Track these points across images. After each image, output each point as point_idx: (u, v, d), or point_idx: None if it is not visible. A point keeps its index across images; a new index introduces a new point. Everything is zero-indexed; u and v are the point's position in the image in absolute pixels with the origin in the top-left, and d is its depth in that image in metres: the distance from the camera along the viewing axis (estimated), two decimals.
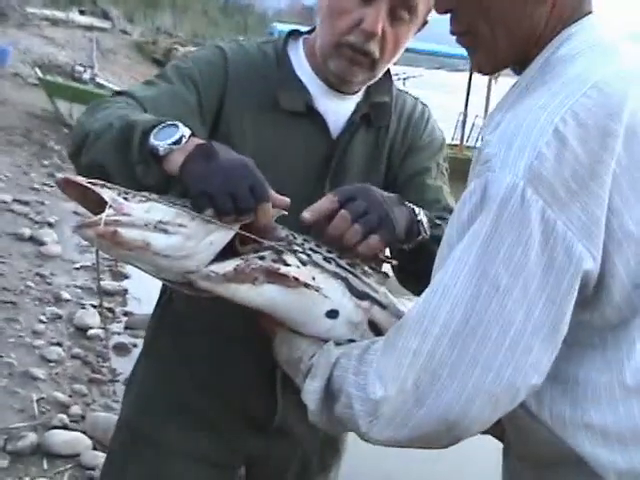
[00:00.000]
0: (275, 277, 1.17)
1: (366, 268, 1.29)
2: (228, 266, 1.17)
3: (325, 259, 1.24)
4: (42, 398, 3.75)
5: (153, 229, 1.12)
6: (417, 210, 1.36)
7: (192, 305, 1.43)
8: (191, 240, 1.14)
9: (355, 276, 1.25)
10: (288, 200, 1.22)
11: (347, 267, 1.25)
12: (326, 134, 1.53)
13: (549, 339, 0.97)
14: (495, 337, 0.96)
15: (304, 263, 1.21)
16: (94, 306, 5.08)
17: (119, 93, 1.45)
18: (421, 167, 1.60)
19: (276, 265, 1.18)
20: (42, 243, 6.11)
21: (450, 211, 1.49)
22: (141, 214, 1.12)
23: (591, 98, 0.98)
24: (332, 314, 1.21)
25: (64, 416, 3.59)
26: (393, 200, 1.31)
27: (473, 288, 0.97)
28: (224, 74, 1.50)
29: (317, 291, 1.19)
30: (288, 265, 1.19)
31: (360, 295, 1.24)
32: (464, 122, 16.18)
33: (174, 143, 1.21)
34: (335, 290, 1.22)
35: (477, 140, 15.62)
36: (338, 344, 1.19)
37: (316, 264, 1.22)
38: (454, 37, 1.14)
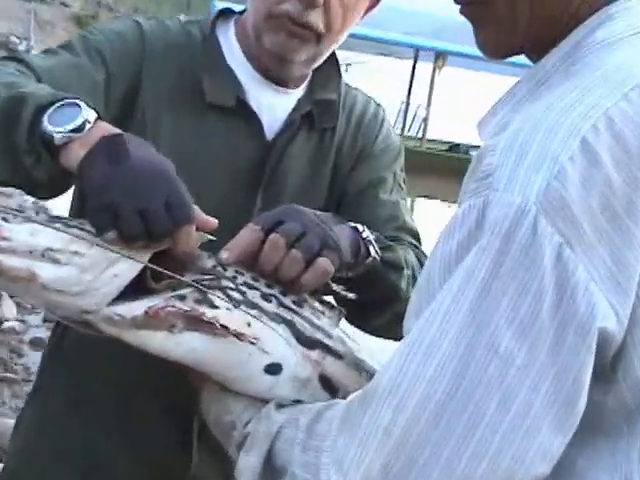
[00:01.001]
0: (198, 324, 0.90)
1: (316, 304, 1.02)
2: (137, 308, 0.90)
3: (264, 296, 0.97)
4: None
5: (40, 257, 0.87)
6: (360, 227, 1.14)
7: (93, 341, 1.14)
8: (88, 272, 0.88)
9: (302, 317, 0.98)
10: (216, 222, 0.96)
11: (292, 306, 0.98)
12: (259, 135, 1.27)
13: (562, 419, 0.73)
14: (491, 414, 0.72)
15: (236, 304, 0.93)
16: (11, 296, 4.71)
17: (10, 58, 1.14)
18: (374, 178, 1.35)
19: (200, 308, 0.91)
20: None
21: (408, 231, 1.29)
22: (25, 238, 0.87)
23: (633, 103, 0.74)
24: (273, 369, 0.94)
25: None
26: (328, 218, 1.08)
27: (465, 348, 0.72)
28: (140, 52, 1.23)
29: (253, 342, 0.91)
30: (215, 307, 0.92)
31: (309, 343, 0.97)
32: (406, 111, 16.09)
33: (74, 130, 0.94)
34: (277, 338, 0.94)
35: (419, 131, 15.60)
36: (281, 406, 0.93)
37: (252, 304, 0.95)
38: (457, 6, 0.87)
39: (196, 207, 0.93)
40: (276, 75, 1.27)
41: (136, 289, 0.92)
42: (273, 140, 1.27)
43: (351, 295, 1.06)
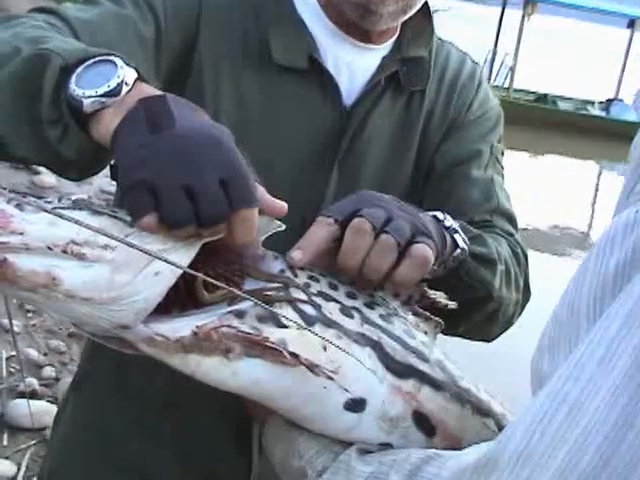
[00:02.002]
0: (261, 350, 0.70)
1: (409, 317, 0.81)
2: (184, 327, 0.70)
3: (344, 311, 0.76)
4: (12, 356, 3.31)
5: (61, 255, 0.66)
6: (441, 215, 0.93)
7: None
8: (123, 271, 0.67)
9: (392, 337, 0.77)
10: (285, 206, 0.75)
11: (379, 322, 0.77)
12: (336, 101, 1.06)
13: None
14: None
15: (310, 322, 0.73)
16: None
17: (40, 10, 0.94)
18: (467, 151, 1.13)
19: (263, 329, 0.71)
20: None
21: (502, 215, 1.08)
22: (42, 231, 0.66)
23: None
24: (355, 405, 0.74)
25: (34, 380, 3.15)
26: (408, 205, 0.88)
27: (622, 411, 0.52)
28: (197, 5, 1.03)
29: (331, 378, 0.71)
30: (283, 327, 0.71)
31: (401, 370, 0.76)
32: (493, 60, 15.54)
33: (108, 94, 0.74)
34: (360, 367, 0.74)
35: (505, 80, 15.07)
36: (364, 452, 0.73)
37: (329, 322, 0.74)
38: None
39: (260, 186, 0.73)
40: (358, 28, 1.05)
41: (182, 300, 0.73)
42: (352, 107, 1.06)
43: (452, 304, 0.85)
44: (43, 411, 2.94)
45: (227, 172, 0.67)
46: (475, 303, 1.00)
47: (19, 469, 2.69)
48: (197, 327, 0.70)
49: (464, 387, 0.79)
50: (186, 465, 1.09)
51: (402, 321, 0.80)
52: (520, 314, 1.09)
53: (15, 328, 3.52)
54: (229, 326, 0.70)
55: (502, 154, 1.17)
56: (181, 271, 0.68)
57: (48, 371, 3.28)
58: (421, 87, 1.10)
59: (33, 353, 3.38)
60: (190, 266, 0.70)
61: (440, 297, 0.84)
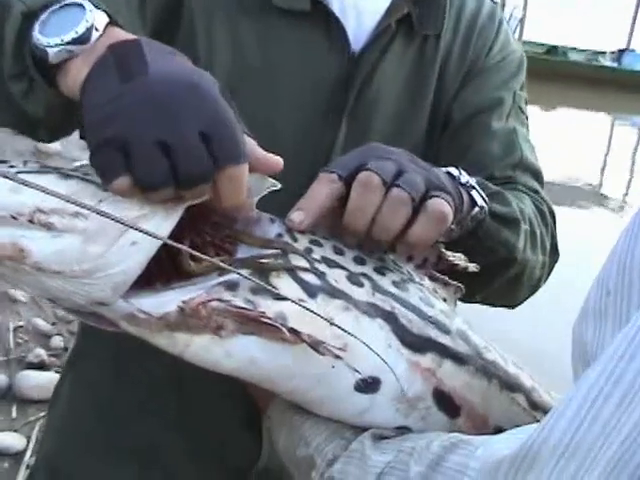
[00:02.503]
0: (256, 326, 0.61)
1: (426, 282, 0.72)
2: (168, 301, 0.62)
3: (352, 278, 0.67)
4: (20, 326, 3.25)
5: (28, 225, 0.59)
6: (455, 172, 0.82)
7: None
8: (96, 241, 0.60)
9: (408, 307, 0.68)
10: (280, 161, 0.66)
11: (393, 289, 0.69)
12: (342, 46, 0.95)
13: None
14: None
15: (313, 292, 0.64)
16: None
17: None
18: (487, 100, 1.02)
19: (259, 302, 0.63)
20: None
21: (526, 169, 1.01)
22: (4, 198, 0.60)
23: None
24: (368, 385, 0.65)
25: (42, 351, 3.09)
26: (418, 159, 0.78)
27: None
28: None
29: (339, 356, 0.62)
30: (281, 299, 0.63)
31: (418, 344, 0.67)
32: (501, 12, 15.26)
33: (76, 41, 0.64)
34: (372, 342, 0.64)
35: (514, 32, 14.80)
36: (380, 438, 0.65)
37: (335, 291, 0.65)
38: None
39: (250, 140, 0.63)
40: None
41: (166, 271, 0.64)
42: (360, 53, 0.95)
43: (473, 266, 0.76)
44: (52, 382, 2.89)
45: (209, 123, 0.58)
46: (497, 267, 0.90)
47: (28, 442, 2.63)
48: (183, 302, 0.61)
49: (490, 360, 0.70)
50: (193, 446, 1.01)
51: (418, 287, 0.71)
52: (547, 277, 0.99)
53: (22, 298, 3.46)
54: (219, 300, 0.61)
55: (525, 103, 1.06)
56: (158, 244, 0.60)
57: (57, 341, 3.21)
58: (436, 31, 1.00)
59: (41, 323, 3.31)
60: (173, 233, 0.61)
61: (459, 259, 0.75)
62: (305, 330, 0.61)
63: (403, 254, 0.73)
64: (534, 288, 0.99)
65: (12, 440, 2.61)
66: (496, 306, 1.01)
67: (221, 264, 0.59)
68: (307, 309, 0.60)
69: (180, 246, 0.57)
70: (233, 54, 0.92)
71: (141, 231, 0.56)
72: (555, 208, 1.02)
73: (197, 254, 0.57)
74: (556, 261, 1.01)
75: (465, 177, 0.82)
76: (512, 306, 1.02)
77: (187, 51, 0.70)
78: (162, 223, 0.60)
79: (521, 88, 1.06)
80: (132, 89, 0.58)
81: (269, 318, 0.61)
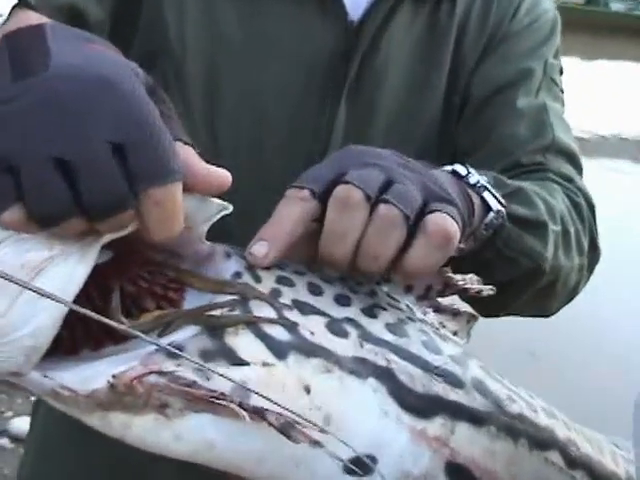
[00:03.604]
0: (209, 405, 0.47)
1: (430, 315, 0.58)
2: (95, 377, 0.48)
3: (332, 326, 0.52)
4: None
5: None
6: (462, 170, 0.67)
7: None
8: None
9: (408, 358, 0.53)
10: (228, 177, 0.50)
11: (385, 336, 0.54)
12: (339, 14, 0.80)
13: None
14: None
15: (281, 352, 0.49)
16: None
17: None
18: (514, 71, 0.86)
19: (213, 370, 0.48)
20: None
21: (559, 152, 0.85)
22: None
23: None
24: (362, 466, 0.50)
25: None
26: (413, 161, 0.61)
27: None
28: None
29: (318, 441, 0.47)
30: (242, 364, 0.48)
31: (424, 407, 0.52)
32: None
33: None
34: (363, 410, 0.50)
35: None
36: None
37: (311, 349, 0.50)
38: None
39: (187, 149, 0.49)
40: None
41: (95, 333, 0.50)
42: (360, 22, 0.80)
43: (488, 289, 0.60)
44: None
45: (123, 131, 0.44)
46: (522, 281, 0.75)
47: None
48: (113, 376, 0.47)
49: (515, 413, 0.56)
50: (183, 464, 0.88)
51: (420, 328, 0.56)
52: (588, 280, 0.83)
53: None
54: (159, 372, 0.47)
55: (560, 73, 0.90)
56: (75, 291, 0.46)
57: None
58: None
59: None
60: (95, 278, 0.47)
61: (471, 281, 0.60)
62: (276, 397, 0.47)
63: (400, 284, 0.58)
64: (572, 294, 0.83)
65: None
66: (527, 316, 0.86)
67: (136, 333, 0.44)
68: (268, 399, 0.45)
69: (84, 311, 0.42)
70: (208, 30, 0.78)
71: (35, 291, 0.42)
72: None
73: (104, 320, 0.42)
74: (597, 259, 0.85)
75: (475, 176, 0.67)
76: (546, 315, 0.86)
77: (154, 37, 0.56)
78: (76, 267, 0.46)
79: (555, 55, 0.89)
80: (26, 89, 0.44)
81: (221, 397, 0.46)
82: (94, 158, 0.43)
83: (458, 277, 0.59)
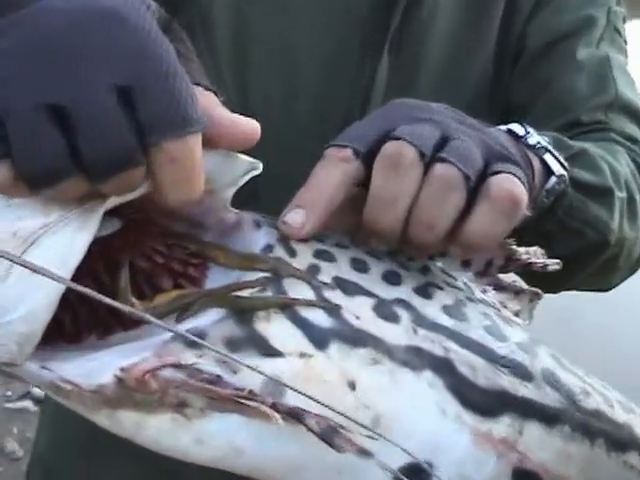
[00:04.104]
0: (237, 405, 0.39)
1: (489, 294, 0.50)
2: (101, 369, 0.40)
3: (381, 308, 0.44)
4: None
5: None
6: (520, 129, 0.58)
7: None
8: None
9: (469, 345, 0.45)
10: (257, 127, 0.41)
11: (444, 319, 0.46)
12: None
13: None
14: None
15: (322, 341, 0.42)
16: None
17: None
18: (573, 19, 0.77)
19: (242, 362, 0.39)
20: None
21: (622, 109, 0.76)
22: None
23: None
24: (416, 475, 0.42)
25: None
26: (467, 117, 0.53)
27: None
28: None
29: (367, 451, 0.40)
30: (275, 354, 0.41)
31: (488, 404, 0.44)
32: None
33: None
34: (418, 407, 0.42)
35: None
36: None
37: (356, 335, 0.42)
38: None
39: (209, 96, 0.41)
40: None
41: (103, 315, 0.43)
42: None
43: (554, 263, 0.52)
44: None
45: (132, 72, 0.36)
46: (586, 253, 0.67)
47: None
48: (121, 370, 0.39)
49: (590, 409, 0.48)
50: None
51: (480, 309, 0.48)
52: None
53: None
54: (176, 365, 0.39)
55: (624, 20, 0.81)
56: (72, 266, 0.38)
57: None
58: None
59: None
60: (101, 252, 0.40)
61: (535, 255, 0.52)
62: (315, 395, 0.39)
63: (457, 258, 0.50)
64: (634, 267, 0.75)
65: None
66: (583, 291, 0.78)
67: (148, 317, 0.36)
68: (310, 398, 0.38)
69: (84, 290, 0.34)
70: None
71: (27, 266, 0.35)
72: None
73: (109, 302, 0.34)
74: None
75: (534, 136, 0.59)
76: (604, 290, 0.78)
77: None
78: (76, 236, 0.38)
79: (618, 2, 0.81)
80: (14, 23, 0.37)
81: (251, 396, 0.38)
82: (95, 104, 0.35)
83: (522, 250, 0.51)
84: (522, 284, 0.53)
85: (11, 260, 0.34)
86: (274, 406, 0.39)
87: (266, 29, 0.70)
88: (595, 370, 0.52)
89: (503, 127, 0.58)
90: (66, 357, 0.41)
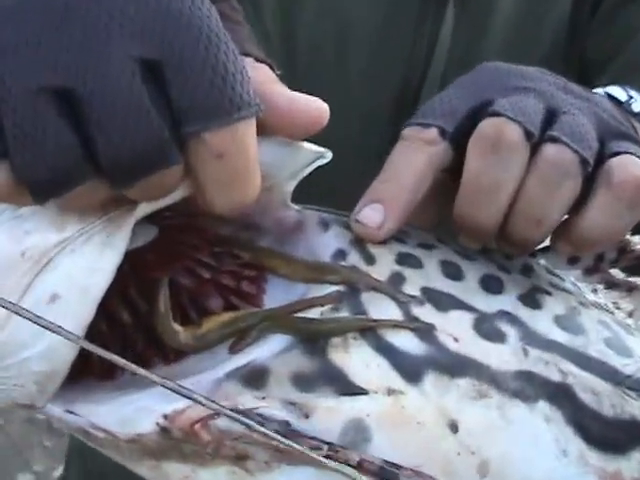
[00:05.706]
0: (309, 459, 0.31)
1: (600, 294, 0.42)
2: (140, 416, 0.32)
3: (481, 326, 0.36)
4: None
5: None
6: (622, 94, 0.51)
7: None
8: None
9: (589, 366, 0.37)
10: (325, 108, 0.32)
11: (557, 334, 0.37)
12: None
13: None
14: None
15: (413, 373, 0.33)
16: None
17: None
18: None
19: (314, 402, 0.32)
20: None
21: None
22: None
23: None
24: None
25: None
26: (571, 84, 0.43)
27: None
28: None
29: None
30: (358, 392, 0.33)
31: (615, 440, 0.36)
32: None
33: None
34: (532, 447, 0.34)
35: None
36: None
37: (454, 364, 0.34)
38: None
39: (264, 71, 0.34)
40: None
41: (140, 346, 0.35)
42: None
43: None
44: None
45: (161, 44, 0.27)
46: None
47: None
48: (165, 417, 0.32)
49: None
50: None
51: (596, 316, 0.39)
52: None
53: None
54: (235, 413, 0.31)
55: None
56: (101, 288, 0.30)
57: None
58: None
59: None
60: (133, 268, 0.32)
61: None
62: (409, 441, 0.31)
63: (564, 255, 0.42)
64: None
65: None
66: None
67: (170, 385, 0.28)
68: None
69: (95, 349, 0.26)
70: None
71: (23, 315, 0.27)
72: None
73: (109, 356, 0.26)
74: None
75: (639, 102, 0.49)
76: None
77: None
78: (102, 254, 0.30)
79: None
80: None
81: (333, 455, 0.30)
82: (114, 85, 0.26)
83: (636, 240, 0.42)
84: (636, 279, 0.44)
85: (13, 311, 0.26)
86: (361, 464, 0.31)
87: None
88: None
89: (600, 90, 0.49)
90: (98, 398, 0.34)
